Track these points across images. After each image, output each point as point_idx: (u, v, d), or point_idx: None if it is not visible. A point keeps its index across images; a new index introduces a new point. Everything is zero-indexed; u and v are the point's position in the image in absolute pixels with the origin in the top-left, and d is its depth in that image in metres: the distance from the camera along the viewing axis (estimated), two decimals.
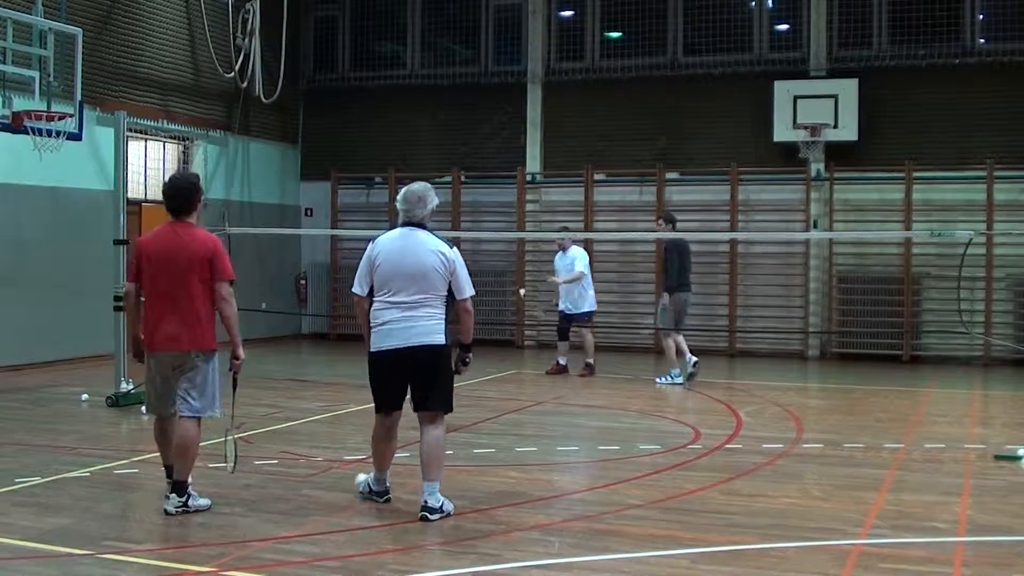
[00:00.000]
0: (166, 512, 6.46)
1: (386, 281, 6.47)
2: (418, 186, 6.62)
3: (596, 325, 14.51)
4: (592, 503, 7.18)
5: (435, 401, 6.52)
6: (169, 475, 6.69)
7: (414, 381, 6.50)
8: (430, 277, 6.42)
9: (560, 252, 14.20)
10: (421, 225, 6.56)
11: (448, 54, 19.38)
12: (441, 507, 6.41)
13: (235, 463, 6.91)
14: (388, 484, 6.81)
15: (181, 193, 6.73)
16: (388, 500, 6.75)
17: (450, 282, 6.49)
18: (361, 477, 7.01)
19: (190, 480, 6.60)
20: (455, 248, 6.58)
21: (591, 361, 14.04)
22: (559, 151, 18.50)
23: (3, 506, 6.70)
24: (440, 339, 6.43)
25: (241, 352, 6.63)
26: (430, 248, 6.47)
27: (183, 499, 6.49)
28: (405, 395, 6.59)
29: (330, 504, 6.82)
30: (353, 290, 6.66)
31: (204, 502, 6.61)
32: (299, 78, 19.84)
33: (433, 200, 6.61)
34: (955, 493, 7.34)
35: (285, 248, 19.46)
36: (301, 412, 10.69)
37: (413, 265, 6.42)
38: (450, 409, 6.63)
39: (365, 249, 6.67)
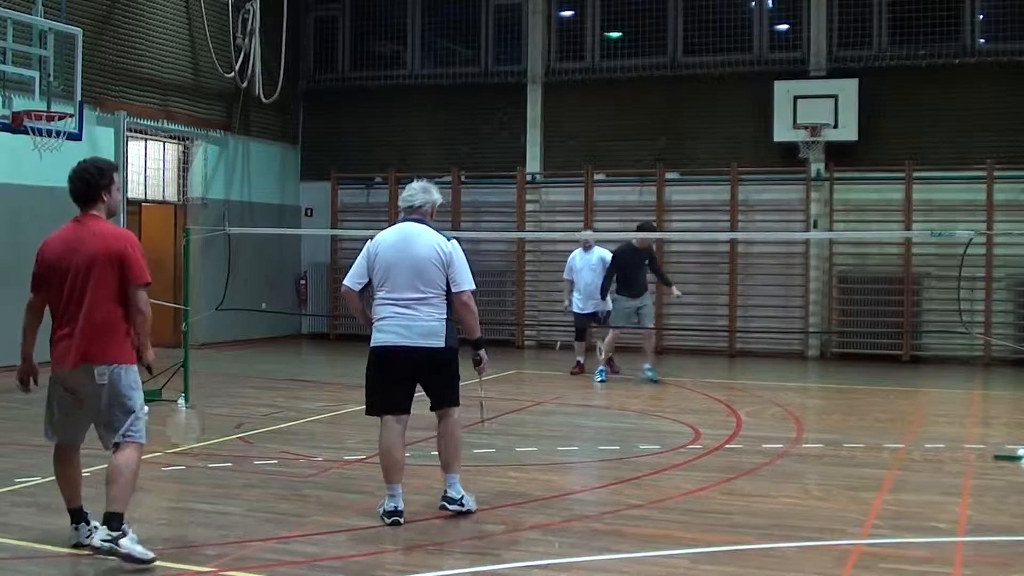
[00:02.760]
0: (92, 547, 5.41)
1: (385, 275, 6.37)
2: (421, 181, 6.66)
3: (595, 325, 14.57)
4: (592, 503, 7.19)
5: (440, 399, 6.52)
6: (74, 518, 5.67)
7: (421, 383, 6.47)
8: (426, 270, 6.32)
9: (581, 250, 14.33)
10: (422, 219, 6.50)
11: (448, 54, 19.38)
12: (461, 500, 6.44)
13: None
14: (397, 504, 6.24)
15: (81, 177, 5.60)
16: (395, 522, 6.17)
17: (448, 276, 6.37)
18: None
19: (126, 515, 5.47)
20: (455, 241, 6.48)
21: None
22: (559, 151, 18.49)
23: (3, 506, 6.70)
24: (440, 342, 6.34)
25: (149, 355, 5.62)
26: (427, 240, 6.38)
27: (115, 534, 5.33)
28: (410, 397, 6.45)
29: (330, 504, 6.82)
30: (344, 282, 6.56)
31: (142, 551, 5.31)
32: (299, 78, 19.83)
33: (434, 194, 6.59)
34: (955, 493, 7.34)
35: (285, 248, 19.45)
36: (301, 412, 10.69)
37: (410, 258, 6.33)
38: (455, 403, 6.54)
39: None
